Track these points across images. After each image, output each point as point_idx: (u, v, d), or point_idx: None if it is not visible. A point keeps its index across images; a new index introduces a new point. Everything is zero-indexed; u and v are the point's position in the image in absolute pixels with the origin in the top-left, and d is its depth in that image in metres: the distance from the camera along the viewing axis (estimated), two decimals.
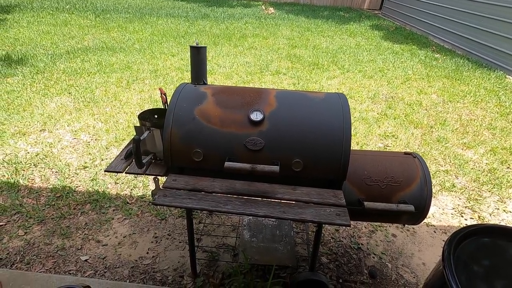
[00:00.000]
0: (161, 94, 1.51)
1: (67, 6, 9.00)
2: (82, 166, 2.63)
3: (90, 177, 2.50)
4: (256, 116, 1.22)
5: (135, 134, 1.43)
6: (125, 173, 1.33)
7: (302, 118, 1.24)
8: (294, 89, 4.40)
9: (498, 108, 4.10)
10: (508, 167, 2.95)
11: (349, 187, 1.41)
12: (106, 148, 2.88)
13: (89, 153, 2.79)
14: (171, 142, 1.24)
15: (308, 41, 6.96)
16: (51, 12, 8.24)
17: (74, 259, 1.84)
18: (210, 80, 4.58)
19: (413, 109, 3.98)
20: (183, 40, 6.47)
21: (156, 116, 1.46)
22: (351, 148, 1.58)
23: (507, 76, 5.25)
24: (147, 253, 1.91)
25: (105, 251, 1.91)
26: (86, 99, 3.76)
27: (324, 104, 1.29)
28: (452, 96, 4.43)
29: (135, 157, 1.23)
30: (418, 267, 1.93)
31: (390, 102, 4.14)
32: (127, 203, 2.28)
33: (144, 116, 1.40)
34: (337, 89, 4.49)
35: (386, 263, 1.94)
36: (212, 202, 1.13)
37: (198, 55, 1.38)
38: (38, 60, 4.90)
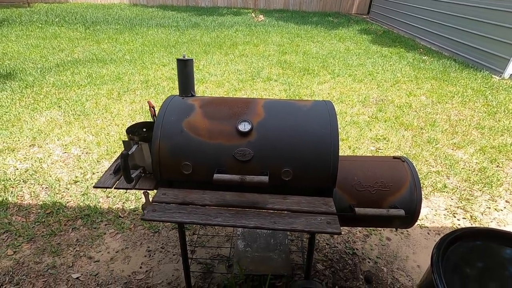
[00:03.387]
0: (149, 107, 1.51)
1: (57, 19, 8.98)
2: (73, 180, 2.59)
3: (81, 192, 2.47)
4: (244, 126, 1.22)
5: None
6: (114, 188, 1.31)
7: (290, 127, 1.25)
8: (285, 95, 4.43)
9: (486, 108, 4.18)
10: (497, 166, 2.99)
11: (340, 193, 1.41)
12: (97, 161, 2.85)
13: (80, 167, 2.76)
14: (159, 156, 1.24)
15: (298, 47, 7.04)
16: (40, 25, 8.20)
17: (65, 277, 1.80)
18: (201, 88, 4.59)
19: (403, 111, 4.03)
20: (173, 50, 6.49)
21: (144, 130, 1.45)
22: (341, 155, 1.60)
23: (492, 75, 5.37)
24: (140, 267, 1.88)
25: (97, 268, 1.87)
26: (76, 112, 3.72)
27: (311, 113, 1.30)
28: (441, 97, 4.50)
29: (123, 172, 1.21)
30: (413, 270, 1.93)
31: (380, 105, 4.19)
32: (119, 216, 2.25)
33: (133, 130, 1.39)
34: (328, 93, 4.53)
35: (382, 267, 1.94)
36: (203, 215, 1.12)
37: (185, 68, 1.38)
38: (27, 74, 4.86)
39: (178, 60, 1.37)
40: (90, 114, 3.69)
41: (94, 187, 1.30)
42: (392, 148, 3.23)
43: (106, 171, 1.41)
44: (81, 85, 4.56)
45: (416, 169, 1.49)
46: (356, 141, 3.33)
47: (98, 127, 3.43)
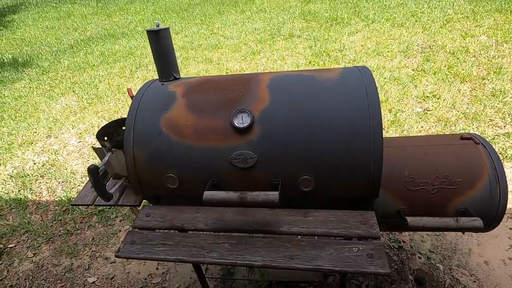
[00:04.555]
0: (130, 97, 1.19)
1: None
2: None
3: None
4: (241, 120, 0.87)
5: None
6: (95, 205, 1.07)
7: (307, 115, 0.86)
8: (310, 53, 3.85)
9: None
10: None
11: (384, 195, 1.04)
12: None
13: (94, 157, 2.63)
14: (136, 167, 0.95)
15: None
16: (54, 5, 8.05)
17: (82, 281, 1.72)
18: (216, 55, 4.16)
19: (458, 59, 3.29)
20: (186, 14, 5.98)
21: (124, 128, 1.15)
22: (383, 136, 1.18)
23: None
24: (157, 269, 1.74)
25: (113, 270, 1.76)
26: (90, 96, 3.57)
27: (339, 89, 0.90)
28: (508, 34, 3.60)
29: (96, 190, 0.95)
30: (479, 268, 1.55)
31: (427, 54, 3.46)
32: None
33: (107, 131, 1.10)
34: (362, 45, 3.85)
35: (437, 264, 1.59)
36: (193, 247, 0.84)
37: (159, 42, 1.02)
38: (43, 60, 4.78)
39: (149, 32, 1.01)
40: (103, 97, 3.52)
41: (72, 205, 1.07)
42: (445, 107, 2.65)
43: (87, 183, 1.17)
44: (94, 65, 4.37)
45: (496, 152, 1.04)
46: (398, 102, 2.79)
47: (111, 110, 3.25)
